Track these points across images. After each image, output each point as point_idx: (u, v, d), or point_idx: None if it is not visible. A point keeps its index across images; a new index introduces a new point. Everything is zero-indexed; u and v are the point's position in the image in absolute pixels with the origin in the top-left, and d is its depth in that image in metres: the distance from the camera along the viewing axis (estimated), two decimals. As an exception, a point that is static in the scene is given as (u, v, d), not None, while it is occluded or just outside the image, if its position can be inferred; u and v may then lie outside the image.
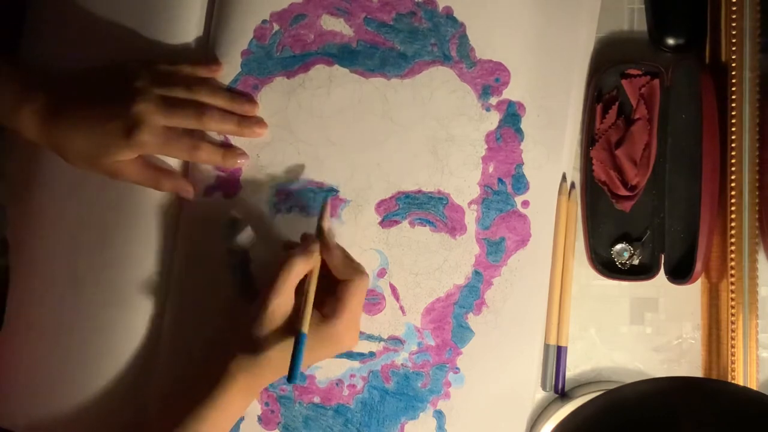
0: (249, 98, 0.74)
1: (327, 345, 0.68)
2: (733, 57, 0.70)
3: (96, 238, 0.74)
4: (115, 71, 0.72)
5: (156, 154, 0.73)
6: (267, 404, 0.74)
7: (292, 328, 0.67)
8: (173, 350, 0.74)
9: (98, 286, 0.74)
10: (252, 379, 0.68)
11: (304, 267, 0.68)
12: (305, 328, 0.66)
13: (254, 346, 0.67)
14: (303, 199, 0.74)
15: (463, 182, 0.74)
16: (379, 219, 0.74)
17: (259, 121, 0.74)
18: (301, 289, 0.68)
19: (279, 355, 0.66)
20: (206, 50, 0.75)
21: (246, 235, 0.73)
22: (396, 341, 0.74)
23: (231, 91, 0.74)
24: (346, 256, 0.70)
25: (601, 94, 0.74)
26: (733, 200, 0.70)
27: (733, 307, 0.70)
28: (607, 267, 0.73)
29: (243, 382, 0.68)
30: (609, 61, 0.74)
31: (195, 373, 0.71)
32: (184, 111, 0.70)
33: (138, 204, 0.74)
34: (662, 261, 0.73)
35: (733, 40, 0.70)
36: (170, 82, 0.71)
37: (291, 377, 0.64)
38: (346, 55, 0.74)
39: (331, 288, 0.69)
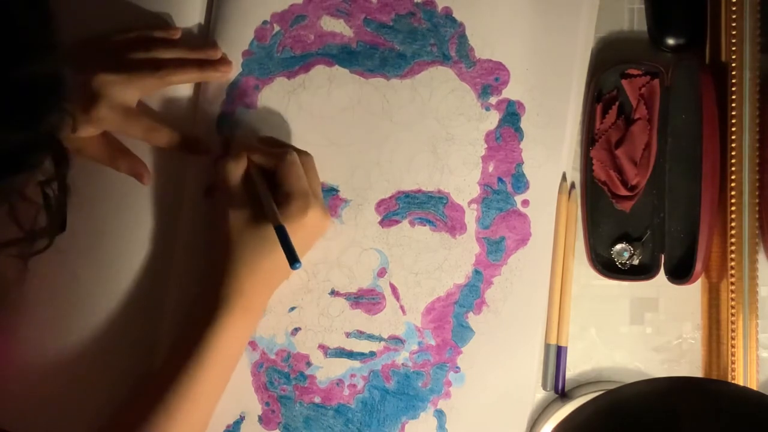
0: (210, 43, 0.74)
1: (296, 230, 0.67)
2: (733, 57, 0.70)
3: (93, 236, 0.74)
4: (77, 51, 0.72)
5: (116, 132, 0.72)
6: (267, 404, 0.74)
7: (260, 231, 0.67)
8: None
9: (97, 286, 0.74)
10: (245, 298, 0.68)
11: (235, 166, 0.69)
12: (279, 221, 0.66)
13: (234, 263, 0.68)
14: None
15: (462, 181, 0.74)
16: (379, 218, 0.74)
17: (223, 61, 0.74)
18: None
19: (260, 261, 0.68)
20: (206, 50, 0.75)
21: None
22: (396, 341, 0.74)
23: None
24: (268, 147, 0.71)
25: (601, 94, 0.74)
26: (733, 200, 0.70)
27: (733, 307, 0.70)
28: (607, 267, 0.73)
29: (237, 304, 0.68)
30: (609, 61, 0.74)
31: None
32: (142, 70, 0.70)
33: (137, 205, 0.74)
34: (662, 261, 0.73)
35: (733, 40, 0.70)
36: (127, 48, 0.72)
37: (292, 263, 0.65)
38: (346, 56, 0.74)
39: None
